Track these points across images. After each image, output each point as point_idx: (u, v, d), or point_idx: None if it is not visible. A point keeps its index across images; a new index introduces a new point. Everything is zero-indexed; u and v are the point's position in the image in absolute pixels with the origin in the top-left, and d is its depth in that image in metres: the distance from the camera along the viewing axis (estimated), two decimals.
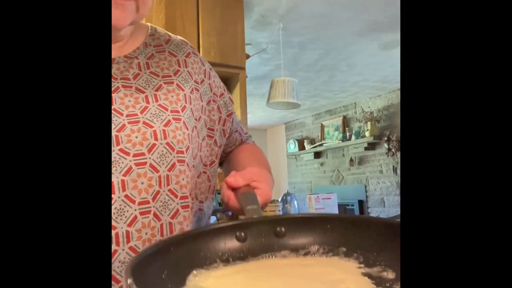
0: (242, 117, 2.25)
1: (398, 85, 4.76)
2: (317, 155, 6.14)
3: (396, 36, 3.17)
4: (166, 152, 0.58)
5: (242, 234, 0.48)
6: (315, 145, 6.10)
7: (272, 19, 2.83)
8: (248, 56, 2.61)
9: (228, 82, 2.33)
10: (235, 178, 0.56)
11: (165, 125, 0.59)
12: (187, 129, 0.62)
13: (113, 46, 0.62)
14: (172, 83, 0.64)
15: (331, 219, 0.49)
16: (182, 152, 0.59)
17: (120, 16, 0.56)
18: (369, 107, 5.34)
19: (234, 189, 0.57)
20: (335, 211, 2.37)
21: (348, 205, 5.49)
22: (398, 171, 4.89)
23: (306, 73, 4.16)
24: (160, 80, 0.63)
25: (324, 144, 5.92)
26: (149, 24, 0.71)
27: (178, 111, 0.61)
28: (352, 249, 0.46)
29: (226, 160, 0.78)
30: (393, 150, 4.84)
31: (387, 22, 2.91)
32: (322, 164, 6.13)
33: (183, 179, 0.60)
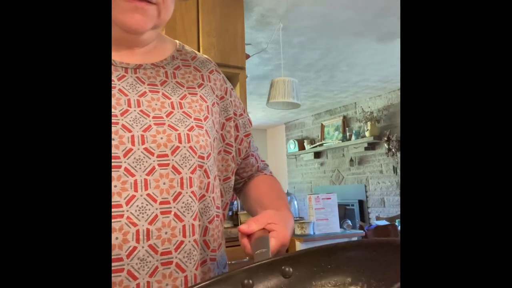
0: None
1: (398, 85, 4.76)
2: (317, 155, 6.14)
3: (395, 36, 3.18)
4: (189, 155, 0.59)
5: (250, 281, 0.47)
6: (315, 145, 6.10)
7: (272, 19, 2.83)
8: (248, 56, 2.61)
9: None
10: (248, 225, 0.57)
11: (189, 130, 0.60)
12: (209, 137, 0.64)
13: (138, 51, 0.64)
14: (196, 94, 0.66)
15: (335, 250, 0.48)
16: (203, 158, 0.61)
17: (141, 20, 0.58)
18: (369, 107, 5.34)
19: (249, 235, 0.57)
20: (335, 211, 2.37)
21: (348, 205, 5.49)
22: (398, 171, 4.89)
23: (306, 73, 4.16)
24: (185, 90, 0.65)
25: (324, 144, 5.92)
26: (177, 41, 0.75)
27: (200, 120, 0.63)
28: (357, 278, 0.45)
29: (243, 193, 0.79)
30: (393, 150, 4.84)
31: (387, 22, 2.91)
32: (322, 164, 6.13)
33: (200, 182, 0.61)
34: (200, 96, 0.66)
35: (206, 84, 0.69)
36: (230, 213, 2.21)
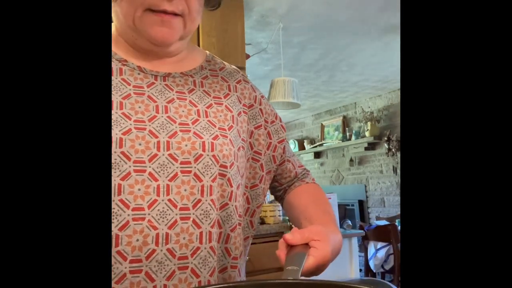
0: None
1: (398, 85, 4.76)
2: (317, 155, 6.14)
3: (395, 36, 3.18)
4: (211, 164, 0.60)
5: None
6: (315, 145, 6.10)
7: (272, 19, 2.83)
8: (248, 56, 2.61)
9: None
10: (293, 236, 0.56)
11: (214, 139, 0.61)
12: (233, 146, 0.64)
13: (168, 61, 0.67)
14: (222, 104, 0.67)
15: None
16: (226, 167, 0.62)
17: (167, 33, 0.60)
18: (369, 107, 5.34)
19: (291, 247, 0.56)
20: (335, 211, 2.37)
21: (348, 205, 5.49)
22: (398, 171, 4.89)
23: (306, 73, 4.16)
24: (211, 99, 0.67)
25: (324, 144, 5.92)
26: (207, 51, 0.77)
27: (225, 129, 0.64)
28: None
29: (286, 202, 0.78)
30: (393, 150, 4.84)
31: (387, 22, 2.91)
32: (322, 164, 6.13)
33: (223, 191, 0.61)
34: (226, 106, 0.67)
35: (233, 94, 0.70)
36: None
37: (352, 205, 5.48)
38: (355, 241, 2.35)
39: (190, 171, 0.58)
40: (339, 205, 2.88)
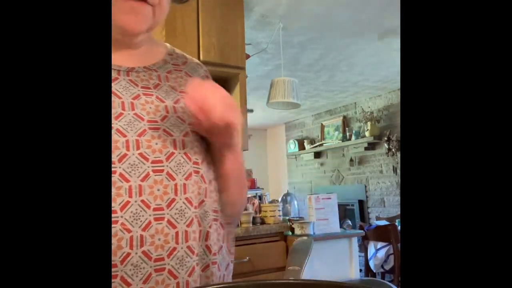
0: (242, 117, 2.24)
1: (398, 85, 4.76)
2: (317, 155, 6.14)
3: (395, 36, 3.17)
4: (184, 162, 0.59)
5: None
6: (315, 145, 6.10)
7: (272, 19, 2.83)
8: (248, 56, 2.61)
9: (228, 82, 2.32)
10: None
11: (184, 136, 0.60)
12: (204, 141, 0.64)
13: (130, 53, 0.64)
14: None
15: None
16: (197, 163, 0.61)
17: (137, 20, 0.58)
18: (369, 107, 5.34)
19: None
20: (335, 211, 2.37)
21: (348, 205, 5.49)
22: (398, 171, 4.88)
23: (306, 73, 4.16)
24: (178, 95, 0.65)
25: (324, 144, 5.92)
26: (168, 44, 0.74)
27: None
28: None
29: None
30: (393, 150, 4.84)
31: (387, 22, 2.91)
32: (322, 164, 6.13)
33: (199, 188, 0.61)
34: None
35: None
36: None
37: (352, 205, 5.48)
38: (355, 241, 2.35)
39: (162, 170, 0.57)
40: (339, 205, 2.87)
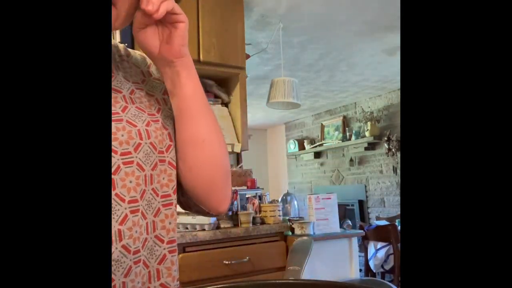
0: (242, 117, 2.25)
1: (398, 85, 4.76)
2: (317, 155, 6.14)
3: (396, 37, 3.17)
4: (150, 152, 0.59)
5: None
6: (315, 145, 6.10)
7: (272, 19, 2.83)
8: (248, 56, 2.61)
9: (228, 82, 2.33)
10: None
11: (147, 125, 0.60)
12: (166, 129, 0.63)
13: None
14: (142, 89, 0.65)
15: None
16: (162, 152, 0.61)
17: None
18: (369, 107, 5.34)
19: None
20: (335, 211, 2.37)
21: (348, 205, 5.49)
22: (398, 171, 4.88)
23: (306, 73, 4.16)
24: (131, 85, 0.64)
25: (324, 144, 5.92)
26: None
27: (154, 114, 0.63)
28: None
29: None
30: (393, 150, 4.84)
31: (387, 22, 2.91)
32: (322, 164, 6.13)
33: (163, 178, 0.61)
34: (146, 91, 0.65)
35: (148, 79, 0.68)
36: (230, 213, 2.21)
37: (352, 205, 5.48)
38: (355, 241, 2.35)
39: (132, 162, 0.56)
40: (339, 205, 2.87)
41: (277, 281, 0.46)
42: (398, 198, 4.92)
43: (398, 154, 4.80)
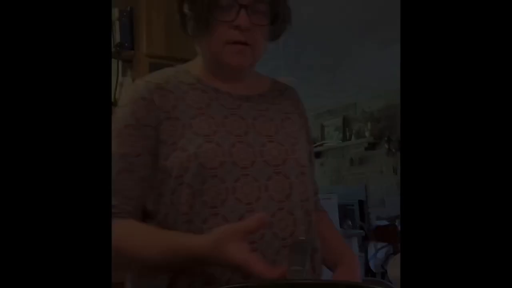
0: None
1: (398, 85, 4.75)
2: (317, 155, 6.13)
3: (397, 37, 3.17)
4: (293, 166, 0.75)
5: None
6: (315, 145, 6.09)
7: None
8: None
9: None
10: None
11: (293, 145, 0.77)
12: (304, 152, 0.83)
13: (239, 85, 0.78)
14: (290, 119, 0.82)
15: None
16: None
17: (240, 60, 0.72)
18: (369, 107, 5.34)
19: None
20: (335, 211, 2.37)
21: (348, 205, 5.49)
22: (398, 171, 4.88)
23: (306, 73, 4.16)
24: (283, 114, 0.81)
25: (324, 144, 5.92)
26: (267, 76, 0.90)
27: (295, 138, 0.80)
28: None
29: None
30: (393, 150, 4.84)
31: (388, 22, 2.91)
32: (322, 164, 6.13)
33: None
34: (292, 120, 0.81)
35: (294, 112, 0.84)
36: None
37: (352, 205, 5.47)
38: (355, 241, 2.35)
39: (280, 172, 0.71)
40: (339, 205, 2.87)
41: (278, 281, 0.46)
42: (398, 198, 4.91)
43: (398, 154, 4.80)
